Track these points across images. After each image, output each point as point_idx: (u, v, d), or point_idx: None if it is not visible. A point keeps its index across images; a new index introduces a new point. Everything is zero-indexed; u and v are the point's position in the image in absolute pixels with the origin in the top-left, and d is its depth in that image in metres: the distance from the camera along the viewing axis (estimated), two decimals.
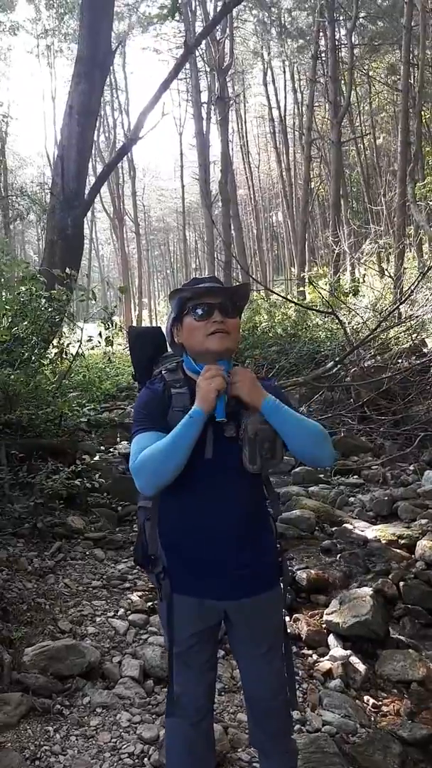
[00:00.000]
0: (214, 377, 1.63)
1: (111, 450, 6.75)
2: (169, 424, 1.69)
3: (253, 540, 1.78)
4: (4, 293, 5.98)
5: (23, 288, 5.48)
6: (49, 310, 5.51)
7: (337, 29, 20.93)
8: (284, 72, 32.18)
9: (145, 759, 2.34)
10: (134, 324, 24.86)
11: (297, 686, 2.62)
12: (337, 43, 20.56)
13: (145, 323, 35.75)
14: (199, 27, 21.19)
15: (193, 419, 1.62)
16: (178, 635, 1.78)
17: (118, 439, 7.32)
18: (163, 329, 1.95)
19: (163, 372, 1.82)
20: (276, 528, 1.87)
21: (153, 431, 1.69)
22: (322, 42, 21.32)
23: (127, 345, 1.99)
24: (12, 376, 4.76)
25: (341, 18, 21.48)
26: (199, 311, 1.70)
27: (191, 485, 1.71)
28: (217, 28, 17.52)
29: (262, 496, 1.84)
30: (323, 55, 21.45)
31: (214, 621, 1.82)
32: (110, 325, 6.18)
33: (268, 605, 1.81)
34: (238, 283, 1.80)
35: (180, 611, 1.77)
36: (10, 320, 5.53)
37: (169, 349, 1.93)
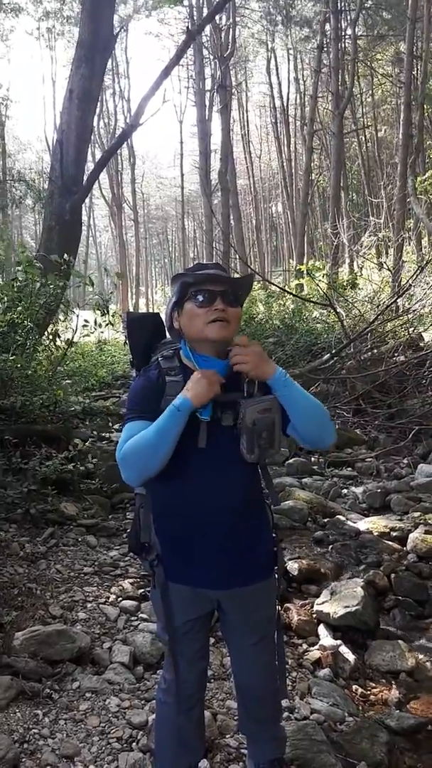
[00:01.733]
0: (214, 383, 1.62)
1: (105, 437, 6.74)
2: (162, 412, 1.68)
3: (248, 529, 1.76)
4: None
5: (19, 273, 5.43)
6: (45, 296, 5.48)
7: (341, 19, 20.77)
8: (288, 61, 31.98)
9: (134, 743, 2.35)
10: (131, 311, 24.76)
11: (287, 675, 2.63)
12: (341, 34, 20.41)
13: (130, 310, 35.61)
14: (205, 12, 20.95)
15: (180, 412, 1.60)
16: (171, 623, 1.78)
17: (112, 426, 7.32)
18: (162, 316, 1.93)
19: (159, 359, 1.79)
20: (272, 517, 1.86)
21: (143, 420, 1.68)
22: (328, 30, 21.17)
23: (124, 332, 1.96)
24: (8, 362, 4.74)
25: (347, 8, 21.31)
26: (201, 298, 1.67)
27: (185, 475, 1.70)
28: (221, 15, 17.37)
29: (259, 485, 1.82)
30: (327, 45, 21.32)
31: (207, 609, 1.81)
32: (106, 312, 6.15)
33: (261, 595, 1.80)
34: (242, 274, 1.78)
35: (173, 599, 1.76)
36: (5, 305, 5.50)
37: (168, 335, 1.89)
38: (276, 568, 1.84)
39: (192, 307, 1.68)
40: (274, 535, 1.85)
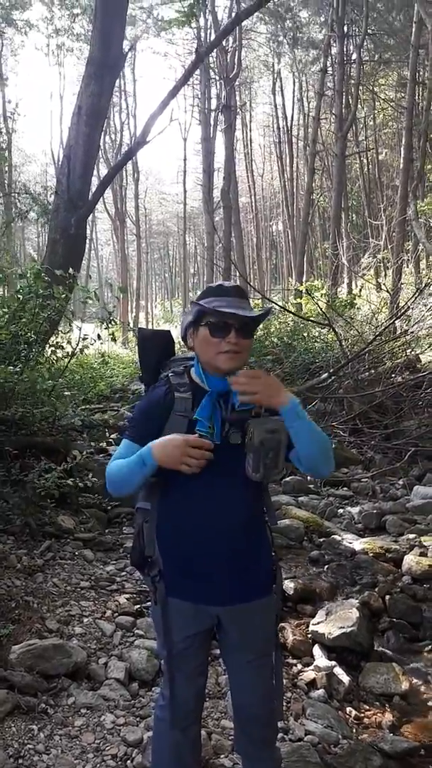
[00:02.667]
0: (196, 463, 1.65)
1: (103, 450, 6.75)
2: (168, 428, 1.72)
3: (249, 546, 1.79)
4: (3, 290, 5.97)
5: (25, 286, 5.47)
6: (50, 309, 5.51)
7: (346, 44, 21.17)
8: (293, 83, 32.45)
9: (128, 761, 2.35)
10: (131, 325, 24.84)
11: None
12: (345, 58, 20.79)
13: (141, 326, 35.67)
14: (212, 33, 21.36)
15: (146, 466, 1.69)
16: (171, 639, 1.80)
17: (110, 436, 7.32)
18: (171, 332, 1.98)
19: (169, 375, 1.82)
20: (272, 537, 1.88)
21: (135, 444, 1.75)
22: (333, 53, 21.55)
23: (123, 346, 2.01)
24: (15, 374, 4.77)
25: (352, 32, 21.71)
26: (215, 329, 1.68)
27: (189, 490, 1.73)
28: (228, 37, 17.65)
29: (260, 504, 1.85)
30: (331, 69, 21.70)
31: (207, 625, 1.83)
32: (110, 325, 6.18)
33: (260, 613, 1.82)
34: (261, 309, 1.78)
35: (173, 614, 1.78)
36: (9, 317, 5.52)
37: (178, 353, 1.95)
38: (275, 586, 1.86)
39: (206, 334, 1.70)
40: (273, 554, 1.88)
